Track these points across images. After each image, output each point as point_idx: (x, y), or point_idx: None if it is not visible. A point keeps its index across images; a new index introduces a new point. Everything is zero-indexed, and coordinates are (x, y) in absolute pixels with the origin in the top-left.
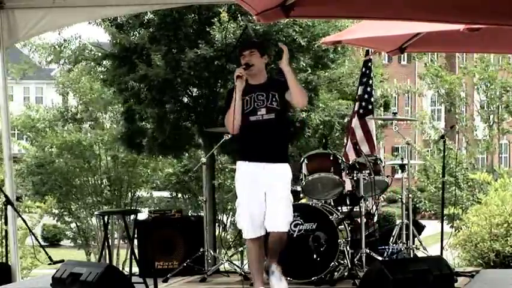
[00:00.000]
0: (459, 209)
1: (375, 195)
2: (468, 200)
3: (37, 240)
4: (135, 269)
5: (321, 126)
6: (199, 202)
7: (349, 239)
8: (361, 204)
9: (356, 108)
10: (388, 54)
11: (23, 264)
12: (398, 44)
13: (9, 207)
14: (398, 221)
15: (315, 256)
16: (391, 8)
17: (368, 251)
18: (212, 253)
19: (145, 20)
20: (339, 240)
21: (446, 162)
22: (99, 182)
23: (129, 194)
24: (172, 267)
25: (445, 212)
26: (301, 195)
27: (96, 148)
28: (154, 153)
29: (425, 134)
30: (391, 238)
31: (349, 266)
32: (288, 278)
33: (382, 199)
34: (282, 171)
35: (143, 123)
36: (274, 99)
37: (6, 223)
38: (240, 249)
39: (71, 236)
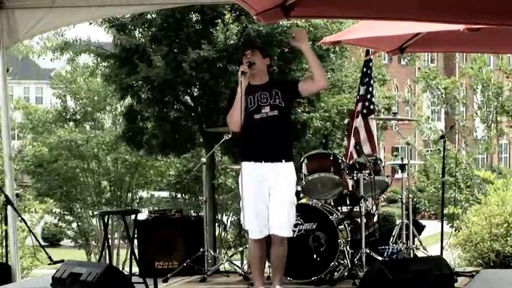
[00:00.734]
0: (459, 209)
1: (374, 195)
2: (467, 200)
3: (37, 240)
4: (135, 269)
5: (322, 127)
6: (200, 202)
7: (349, 239)
8: (361, 204)
9: (359, 108)
10: (388, 54)
11: (23, 264)
12: (398, 44)
13: (9, 207)
14: (398, 221)
15: (315, 256)
16: (391, 8)
17: (368, 251)
18: (212, 253)
19: (149, 19)
20: (339, 240)
21: (446, 162)
22: (99, 182)
23: (130, 194)
24: (172, 267)
25: (445, 211)
26: (301, 195)
27: (96, 149)
28: (155, 152)
29: (424, 134)
30: (391, 238)
31: (349, 266)
32: (288, 278)
33: (382, 199)
34: (287, 171)
35: (144, 122)
36: (277, 96)
37: (6, 223)
38: (240, 249)
39: (71, 236)
